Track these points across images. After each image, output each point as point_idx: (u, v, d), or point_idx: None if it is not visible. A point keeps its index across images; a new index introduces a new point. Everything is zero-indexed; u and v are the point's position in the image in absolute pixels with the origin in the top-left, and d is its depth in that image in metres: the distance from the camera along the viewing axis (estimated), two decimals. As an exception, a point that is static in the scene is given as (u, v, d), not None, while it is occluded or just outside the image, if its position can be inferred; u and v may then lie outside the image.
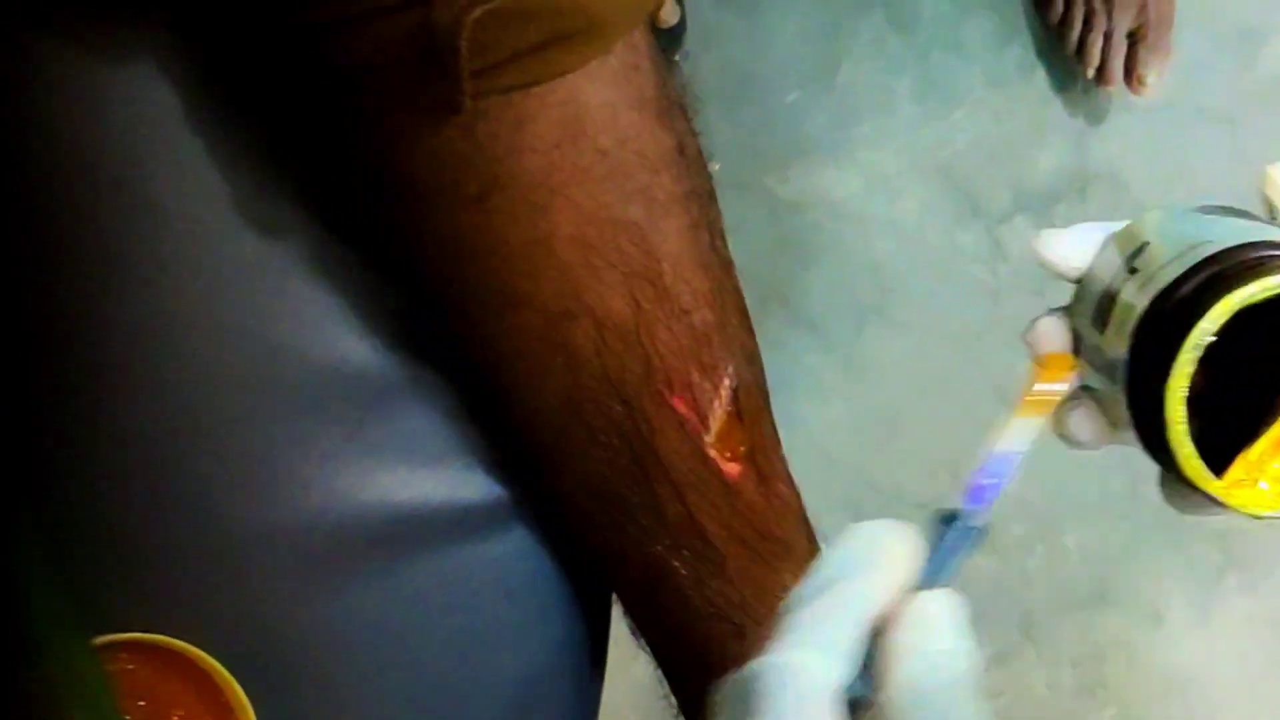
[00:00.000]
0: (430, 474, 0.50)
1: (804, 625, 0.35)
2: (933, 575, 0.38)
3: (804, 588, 0.36)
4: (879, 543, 0.37)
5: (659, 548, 0.49)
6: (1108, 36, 1.18)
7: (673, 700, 0.54)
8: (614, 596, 0.55)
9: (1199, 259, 0.38)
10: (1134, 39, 1.19)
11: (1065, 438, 0.46)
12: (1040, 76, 1.26)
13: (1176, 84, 1.24)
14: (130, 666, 0.43)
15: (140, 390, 0.46)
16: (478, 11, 0.40)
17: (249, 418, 0.47)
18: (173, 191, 0.46)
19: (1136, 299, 0.39)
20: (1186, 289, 0.38)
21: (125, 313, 0.46)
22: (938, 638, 0.35)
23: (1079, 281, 0.45)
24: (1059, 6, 1.20)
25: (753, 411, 0.49)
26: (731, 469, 0.49)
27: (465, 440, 0.51)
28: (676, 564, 0.50)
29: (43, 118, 0.45)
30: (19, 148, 0.46)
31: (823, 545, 0.55)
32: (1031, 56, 1.26)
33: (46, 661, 0.42)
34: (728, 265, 0.49)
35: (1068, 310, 0.46)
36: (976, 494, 0.39)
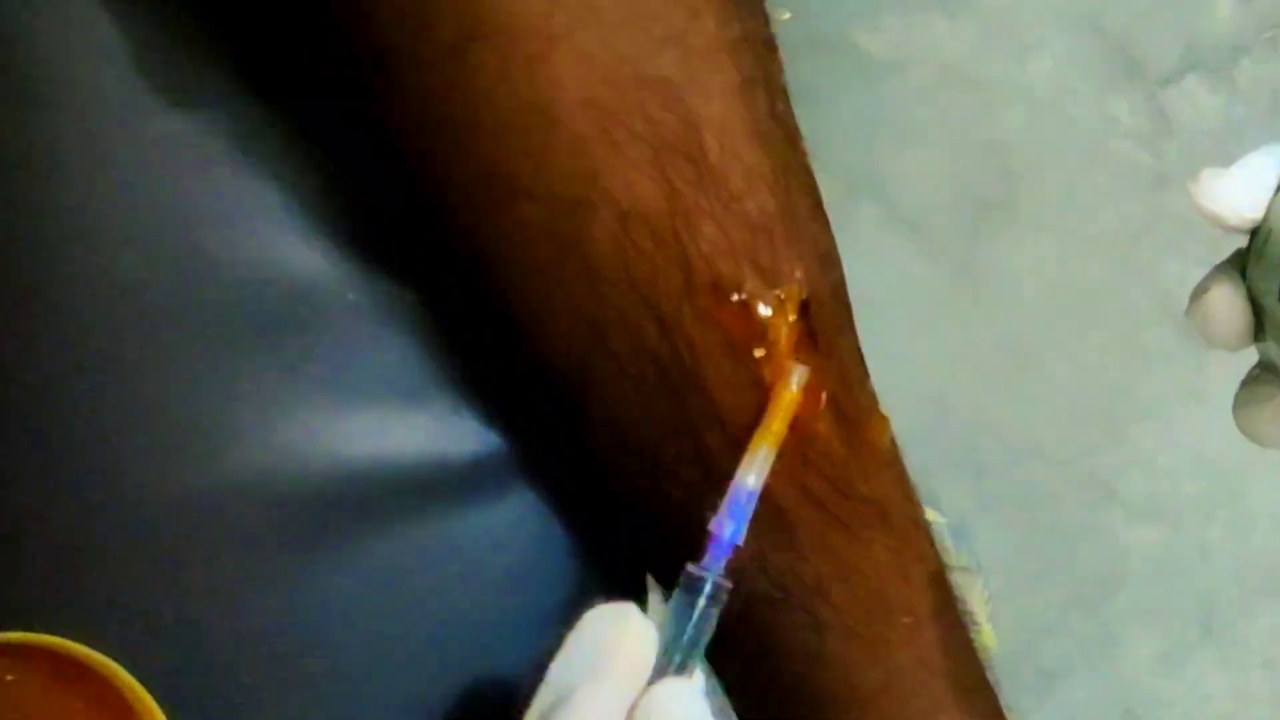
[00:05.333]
0: (404, 419, 0.50)
1: None
2: (682, 650, 0.47)
3: (535, 701, 0.44)
4: (610, 639, 0.44)
5: (708, 512, 0.48)
6: None
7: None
8: (649, 578, 0.55)
9: None
10: None
11: (1256, 439, 0.48)
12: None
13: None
14: (10, 677, 0.43)
15: (16, 319, 0.46)
16: None
17: (159, 352, 0.46)
18: (61, 65, 0.45)
19: None
20: None
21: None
22: None
23: (1254, 233, 0.45)
24: None
25: (829, 331, 0.49)
26: (802, 407, 0.48)
27: (451, 377, 0.51)
28: None
29: None
30: None
31: (929, 512, 0.54)
32: None
33: None
34: (793, 135, 0.48)
35: (1240, 267, 0.46)
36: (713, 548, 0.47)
